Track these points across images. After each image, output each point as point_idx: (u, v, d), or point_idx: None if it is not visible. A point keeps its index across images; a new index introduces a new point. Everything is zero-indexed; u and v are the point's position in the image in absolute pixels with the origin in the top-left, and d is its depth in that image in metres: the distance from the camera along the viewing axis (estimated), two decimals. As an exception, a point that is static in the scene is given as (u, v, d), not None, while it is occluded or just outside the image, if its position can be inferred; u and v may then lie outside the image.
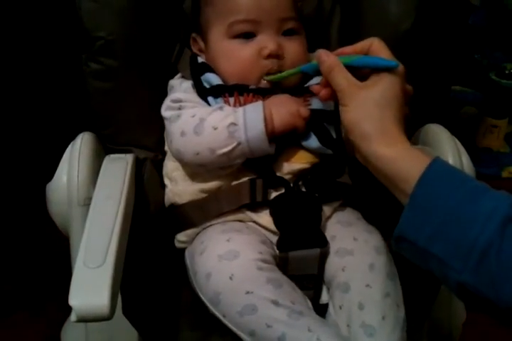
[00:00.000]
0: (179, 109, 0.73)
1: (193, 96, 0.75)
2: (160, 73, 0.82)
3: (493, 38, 1.55)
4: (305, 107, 0.71)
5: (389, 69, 0.60)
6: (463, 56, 1.54)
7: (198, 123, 0.70)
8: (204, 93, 0.75)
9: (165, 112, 0.75)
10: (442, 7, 0.87)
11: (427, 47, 0.84)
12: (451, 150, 0.78)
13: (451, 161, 0.77)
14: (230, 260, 0.65)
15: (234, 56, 0.74)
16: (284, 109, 0.69)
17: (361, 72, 0.62)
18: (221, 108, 0.71)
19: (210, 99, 0.74)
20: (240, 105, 0.73)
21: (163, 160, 0.81)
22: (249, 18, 0.73)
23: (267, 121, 0.68)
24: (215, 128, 0.68)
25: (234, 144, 0.68)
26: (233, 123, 0.68)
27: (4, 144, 1.42)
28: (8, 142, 1.43)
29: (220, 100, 0.74)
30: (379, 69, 0.60)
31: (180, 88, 0.77)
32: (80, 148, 0.77)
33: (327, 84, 0.64)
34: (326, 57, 0.63)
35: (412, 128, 0.86)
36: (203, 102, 0.74)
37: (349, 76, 0.61)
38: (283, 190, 0.72)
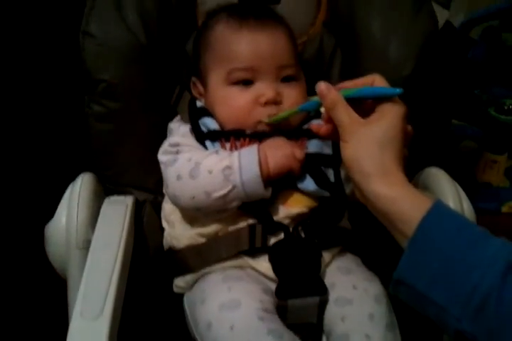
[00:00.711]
0: (176, 153, 0.73)
1: (191, 140, 0.75)
2: (160, 115, 0.83)
3: (492, 73, 1.56)
4: (300, 149, 0.72)
5: (391, 98, 0.60)
6: (462, 91, 1.55)
7: (194, 167, 0.70)
8: (202, 137, 0.75)
9: (162, 156, 0.75)
10: (443, 52, 0.87)
11: (427, 91, 0.85)
12: (451, 195, 0.78)
13: (451, 206, 0.76)
14: (231, 309, 0.64)
15: (231, 103, 0.75)
16: (279, 152, 0.70)
17: (363, 107, 0.62)
18: (217, 152, 0.72)
19: (207, 143, 0.75)
20: (237, 150, 0.72)
21: (162, 202, 0.81)
22: (248, 66, 0.74)
23: (262, 163, 0.68)
24: (211, 172, 0.69)
25: (229, 187, 0.68)
26: (228, 167, 0.68)
27: (5, 183, 1.42)
28: (9, 181, 1.43)
29: (217, 144, 0.74)
30: (382, 98, 0.61)
31: (179, 132, 0.77)
32: (79, 190, 0.77)
33: (329, 120, 0.64)
34: (327, 92, 0.63)
35: (411, 170, 0.86)
36: (200, 147, 0.74)
37: (351, 112, 0.61)
38: (282, 235, 0.72)
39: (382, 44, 0.83)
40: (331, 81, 0.87)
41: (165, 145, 0.76)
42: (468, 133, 1.58)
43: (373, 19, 0.84)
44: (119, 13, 0.79)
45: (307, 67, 0.84)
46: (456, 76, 1.52)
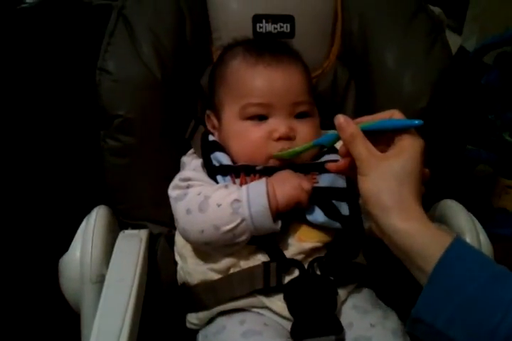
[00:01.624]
0: (187, 187, 0.74)
1: (202, 175, 0.75)
2: (175, 149, 0.83)
3: (506, 98, 1.55)
4: (307, 181, 0.71)
5: (409, 133, 0.60)
6: (476, 116, 1.54)
7: (203, 201, 0.70)
8: (213, 172, 0.75)
9: (172, 191, 0.75)
10: (458, 80, 0.87)
11: (443, 122, 0.84)
12: (468, 228, 0.78)
13: (468, 239, 0.76)
14: None
15: (244, 138, 0.75)
16: (287, 184, 0.70)
17: (381, 142, 0.62)
18: (226, 186, 0.72)
19: (218, 177, 0.75)
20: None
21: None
22: (263, 102, 0.74)
23: (270, 196, 0.68)
24: (219, 205, 0.69)
25: (238, 220, 0.68)
26: (237, 200, 0.68)
27: (21, 216, 1.43)
28: (24, 214, 1.44)
29: (228, 179, 0.74)
30: (401, 130, 0.60)
31: (190, 166, 0.77)
32: (94, 223, 0.77)
33: (346, 154, 0.63)
34: (346, 125, 0.62)
35: (427, 202, 0.85)
36: (211, 181, 0.74)
37: (370, 146, 0.60)
38: (297, 272, 0.71)
39: (397, 77, 0.83)
40: (345, 114, 0.87)
41: (176, 180, 0.76)
42: (482, 157, 1.57)
43: (388, 52, 0.84)
44: (135, 50, 0.80)
45: (321, 101, 0.84)
46: (470, 101, 1.52)
